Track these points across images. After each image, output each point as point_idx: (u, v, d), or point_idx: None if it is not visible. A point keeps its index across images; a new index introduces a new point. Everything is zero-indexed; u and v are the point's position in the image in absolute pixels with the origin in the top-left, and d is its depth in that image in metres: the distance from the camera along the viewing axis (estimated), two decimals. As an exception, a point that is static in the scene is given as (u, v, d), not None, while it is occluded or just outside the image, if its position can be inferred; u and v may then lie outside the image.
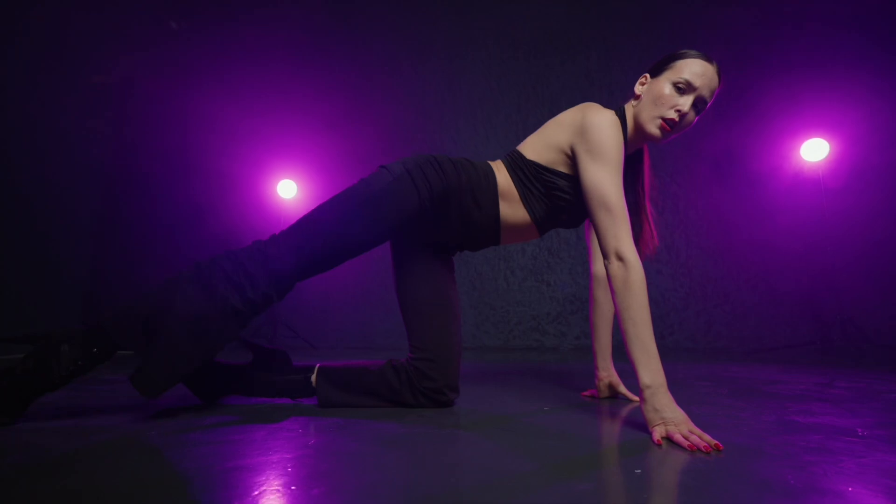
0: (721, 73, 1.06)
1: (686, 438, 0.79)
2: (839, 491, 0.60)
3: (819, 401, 1.21)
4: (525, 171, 1.10)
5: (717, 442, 0.78)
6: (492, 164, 1.15)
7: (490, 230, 1.13)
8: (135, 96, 3.28)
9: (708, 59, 1.04)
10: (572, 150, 1.04)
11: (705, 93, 1.03)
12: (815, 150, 2.59)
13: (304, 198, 3.40)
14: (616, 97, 3.33)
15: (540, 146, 1.10)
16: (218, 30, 3.47)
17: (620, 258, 0.93)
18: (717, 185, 3.06)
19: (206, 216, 3.37)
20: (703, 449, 0.76)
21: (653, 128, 1.04)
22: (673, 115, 1.02)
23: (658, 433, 0.83)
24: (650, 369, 0.88)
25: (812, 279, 2.80)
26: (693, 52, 1.05)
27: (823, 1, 2.82)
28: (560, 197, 1.09)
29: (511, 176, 1.11)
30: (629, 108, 1.12)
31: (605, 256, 0.95)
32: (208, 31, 3.45)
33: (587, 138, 1.00)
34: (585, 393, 1.31)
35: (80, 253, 3.17)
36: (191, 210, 3.35)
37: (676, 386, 1.42)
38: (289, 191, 3.27)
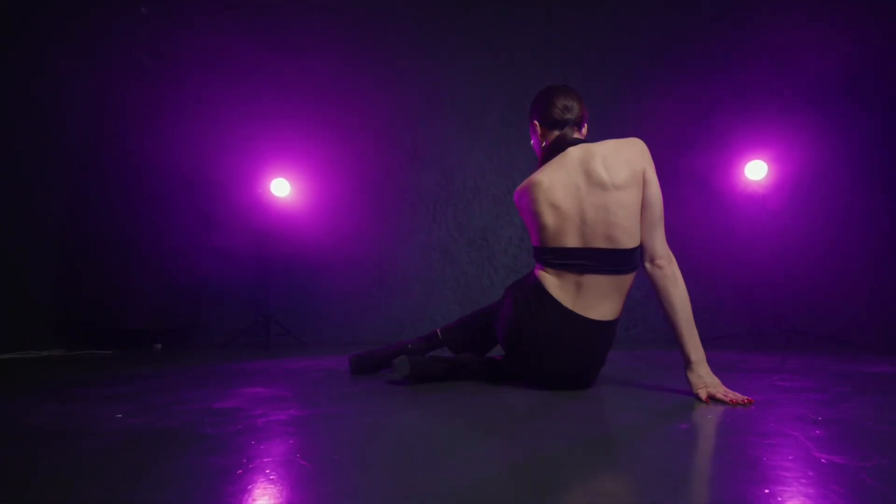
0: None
1: (725, 395, 1.08)
2: (837, 418, 0.90)
3: (787, 372, 1.57)
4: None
5: (749, 398, 1.07)
6: None
7: None
8: (107, 87, 3.14)
9: None
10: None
11: None
12: (756, 170, 3.09)
13: (298, 196, 3.44)
14: (591, 110, 3.68)
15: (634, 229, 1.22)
16: (208, 24, 3.40)
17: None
18: (675, 198, 3.50)
19: (191, 213, 3.30)
20: (742, 402, 1.05)
21: None
22: None
23: (703, 394, 1.10)
24: (696, 347, 1.16)
25: (752, 280, 3.33)
26: None
27: (769, 46, 3.35)
28: None
29: None
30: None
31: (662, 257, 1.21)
32: (200, 25, 3.37)
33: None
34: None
35: (51, 250, 3.00)
36: (176, 207, 3.27)
37: (668, 368, 1.74)
38: (282, 189, 3.29)
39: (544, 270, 1.25)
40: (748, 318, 3.33)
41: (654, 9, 3.62)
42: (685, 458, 0.71)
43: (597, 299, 1.19)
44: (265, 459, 0.70)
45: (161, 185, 3.16)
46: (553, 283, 1.22)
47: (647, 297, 3.53)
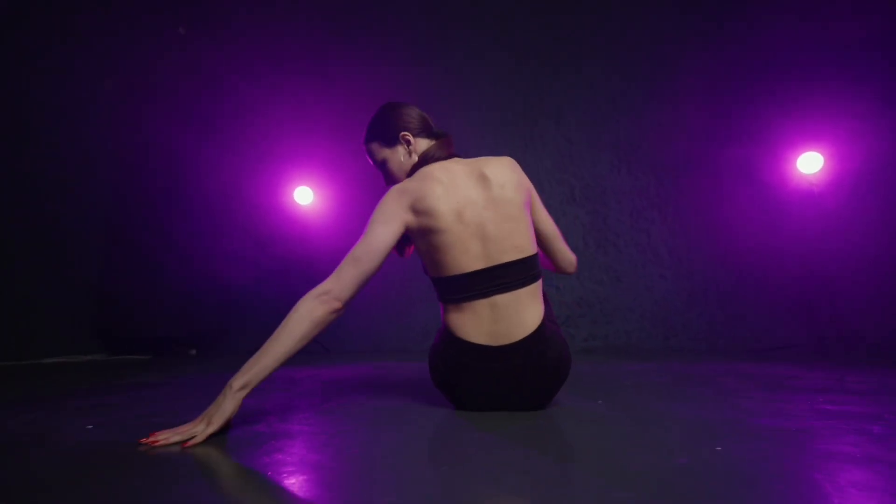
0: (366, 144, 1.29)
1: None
2: (888, 458, 0.72)
3: (845, 392, 1.34)
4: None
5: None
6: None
7: None
8: (150, 102, 3.31)
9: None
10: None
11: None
12: (810, 163, 2.78)
13: (321, 203, 3.46)
14: (619, 104, 3.48)
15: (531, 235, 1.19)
16: (233, 36, 3.52)
17: None
18: (718, 193, 3.23)
19: (221, 221, 3.40)
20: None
21: None
22: None
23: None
24: None
25: (807, 283, 2.98)
26: None
27: (815, 26, 3.03)
28: None
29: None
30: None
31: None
32: (224, 38, 3.49)
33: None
34: None
35: (92, 258, 3.17)
36: (206, 215, 3.38)
37: (704, 383, 1.55)
38: (305, 197, 3.33)
39: (451, 312, 1.10)
40: (806, 325, 2.98)
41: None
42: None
43: (516, 316, 1.07)
44: (273, 460, 0.64)
45: (191, 198, 3.29)
46: (465, 324, 1.08)
47: (686, 306, 3.26)
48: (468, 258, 1.06)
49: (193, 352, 3.30)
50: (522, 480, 0.66)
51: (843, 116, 2.87)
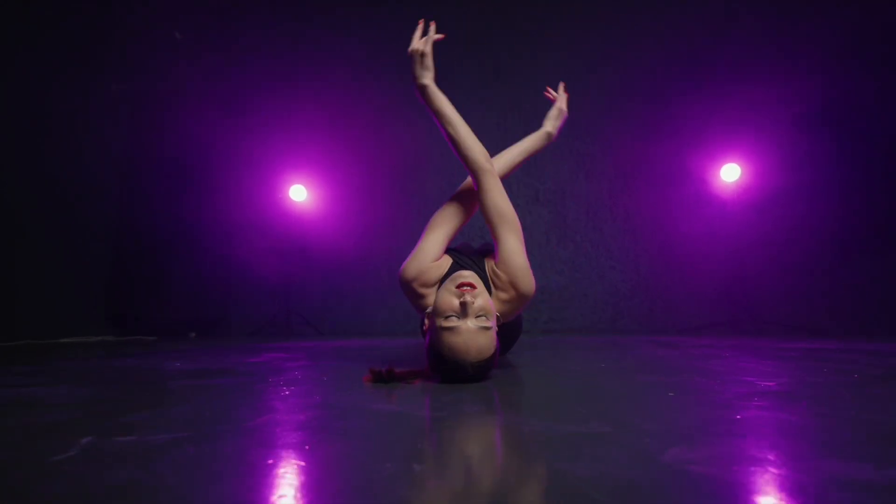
0: None
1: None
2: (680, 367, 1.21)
3: (708, 347, 1.86)
4: None
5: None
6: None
7: None
8: (151, 105, 3.60)
9: None
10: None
11: None
12: (730, 173, 3.35)
13: (315, 200, 3.84)
14: (579, 120, 3.99)
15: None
16: (229, 39, 3.83)
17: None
18: (657, 198, 3.79)
19: (224, 216, 3.74)
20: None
21: None
22: None
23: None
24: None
25: (727, 275, 3.58)
26: None
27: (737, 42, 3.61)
28: None
29: None
30: None
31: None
32: (220, 41, 3.80)
33: None
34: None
35: (101, 254, 3.45)
36: (210, 210, 3.70)
37: (619, 347, 2.05)
38: (300, 194, 3.70)
39: None
40: (726, 309, 3.57)
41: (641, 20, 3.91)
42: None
43: None
44: (278, 379, 1.07)
45: (194, 194, 3.61)
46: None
47: (631, 293, 3.81)
48: None
49: (193, 335, 3.61)
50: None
51: (761, 135, 3.47)
